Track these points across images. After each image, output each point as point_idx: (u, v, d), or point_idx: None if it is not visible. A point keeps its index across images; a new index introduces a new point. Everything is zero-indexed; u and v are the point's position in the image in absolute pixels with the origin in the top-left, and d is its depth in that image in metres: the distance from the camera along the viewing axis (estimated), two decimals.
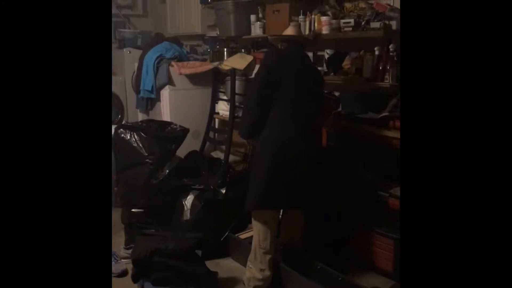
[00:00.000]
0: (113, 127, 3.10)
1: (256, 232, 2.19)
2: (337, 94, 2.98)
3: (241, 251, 2.50)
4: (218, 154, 3.45)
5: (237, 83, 3.12)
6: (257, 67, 3.08)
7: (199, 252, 2.23)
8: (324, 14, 2.83)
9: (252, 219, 2.21)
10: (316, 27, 2.86)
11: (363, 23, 2.60)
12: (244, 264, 2.36)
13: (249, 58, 3.28)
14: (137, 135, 2.71)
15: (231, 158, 3.33)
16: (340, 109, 2.90)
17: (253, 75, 3.13)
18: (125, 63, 4.51)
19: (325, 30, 2.78)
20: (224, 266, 2.51)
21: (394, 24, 2.44)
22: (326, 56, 2.92)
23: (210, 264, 2.34)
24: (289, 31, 2.22)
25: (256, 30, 3.37)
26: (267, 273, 2.18)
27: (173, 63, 3.51)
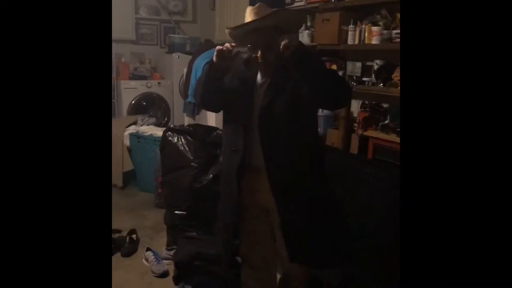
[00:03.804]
0: (161, 129, 3.19)
1: None
2: (385, 105, 2.92)
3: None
4: None
5: None
6: None
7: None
8: (375, 24, 2.79)
9: None
10: (366, 37, 2.82)
11: None
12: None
13: None
14: (184, 138, 2.77)
15: None
16: (388, 121, 2.84)
17: None
18: (173, 67, 4.66)
19: (375, 41, 2.74)
20: None
21: None
22: (375, 67, 2.87)
23: None
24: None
25: (304, 38, 3.35)
26: None
27: None
